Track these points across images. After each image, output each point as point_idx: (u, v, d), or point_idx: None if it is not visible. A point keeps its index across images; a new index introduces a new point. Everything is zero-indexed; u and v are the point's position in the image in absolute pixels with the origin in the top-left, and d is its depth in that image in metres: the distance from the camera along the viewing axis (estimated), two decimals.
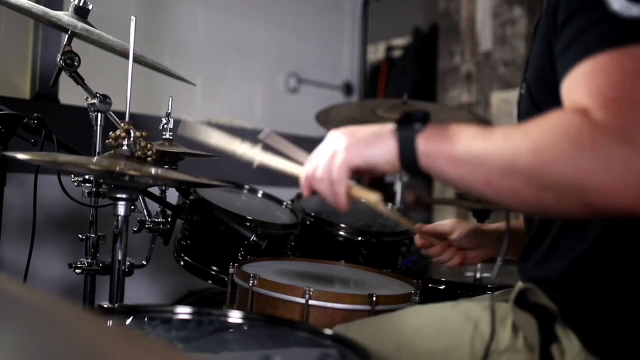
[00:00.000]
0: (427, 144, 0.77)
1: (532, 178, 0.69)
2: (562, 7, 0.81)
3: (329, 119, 2.22)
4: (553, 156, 0.68)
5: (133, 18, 1.19)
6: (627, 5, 0.73)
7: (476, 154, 0.73)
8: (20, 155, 1.03)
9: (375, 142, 0.81)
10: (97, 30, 1.51)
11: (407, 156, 0.78)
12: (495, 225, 1.32)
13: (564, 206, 0.70)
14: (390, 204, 2.21)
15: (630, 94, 0.68)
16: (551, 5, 0.84)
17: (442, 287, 1.59)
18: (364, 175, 0.97)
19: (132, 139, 1.13)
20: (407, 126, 0.78)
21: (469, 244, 1.29)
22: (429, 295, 1.53)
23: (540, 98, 0.89)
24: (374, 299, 1.18)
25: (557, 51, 0.81)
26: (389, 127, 0.81)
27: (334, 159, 0.85)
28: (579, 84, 0.73)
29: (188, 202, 1.58)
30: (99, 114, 1.51)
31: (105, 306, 1.09)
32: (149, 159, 1.15)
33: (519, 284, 0.98)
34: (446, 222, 1.33)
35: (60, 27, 1.54)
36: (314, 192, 0.91)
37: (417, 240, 1.32)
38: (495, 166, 0.72)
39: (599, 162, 0.65)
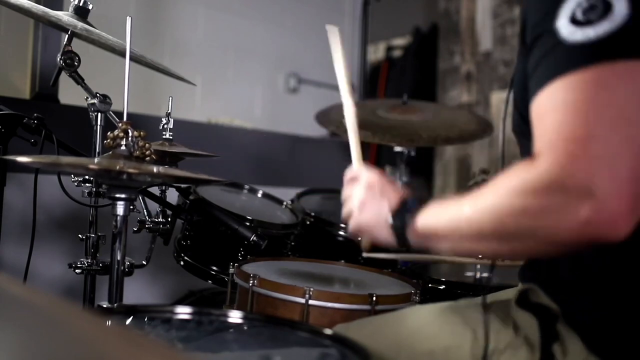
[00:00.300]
0: (416, 231, 0.90)
1: (499, 235, 0.77)
2: (528, 32, 0.82)
3: (329, 119, 2.22)
4: (507, 211, 0.74)
5: (129, 18, 1.19)
6: (572, 30, 0.73)
7: (454, 229, 0.83)
8: (21, 159, 1.03)
9: (376, 228, 0.98)
10: (97, 30, 1.51)
11: (402, 241, 0.94)
12: None
13: (535, 251, 0.79)
14: None
15: (566, 131, 0.70)
16: (521, 26, 0.85)
17: (442, 287, 1.59)
18: None
19: (130, 139, 1.13)
20: (400, 219, 0.93)
21: None
22: (429, 295, 1.53)
23: (526, 114, 0.90)
24: (374, 299, 1.18)
25: (527, 73, 0.82)
26: (388, 217, 0.96)
27: (351, 218, 1.04)
28: (536, 122, 0.76)
29: (188, 202, 1.58)
30: (99, 114, 1.51)
31: (105, 306, 1.09)
32: (148, 158, 1.15)
33: (520, 285, 0.98)
34: None
35: (60, 27, 1.54)
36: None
37: None
38: (470, 234, 0.81)
39: (542, 206, 0.71)
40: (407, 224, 0.92)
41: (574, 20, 0.73)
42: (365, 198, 1.01)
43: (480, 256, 0.93)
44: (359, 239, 1.08)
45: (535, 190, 0.71)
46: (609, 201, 0.67)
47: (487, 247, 0.81)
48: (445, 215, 0.86)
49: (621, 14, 0.71)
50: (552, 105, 0.73)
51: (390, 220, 0.95)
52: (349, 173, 1.11)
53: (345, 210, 1.07)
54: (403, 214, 0.93)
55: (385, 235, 0.96)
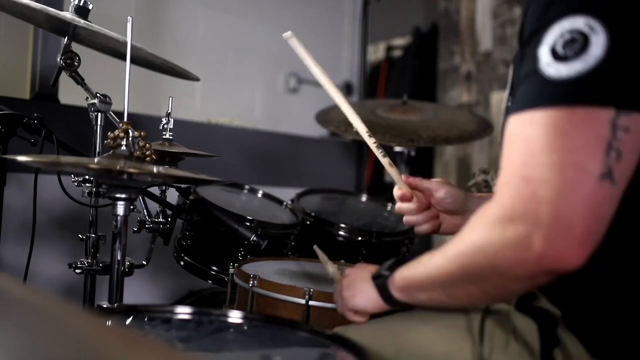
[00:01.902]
0: (397, 285, 0.94)
1: (466, 278, 0.80)
2: (523, 42, 0.81)
3: (329, 119, 2.22)
4: (468, 253, 0.78)
5: (130, 18, 1.19)
6: (549, 62, 0.74)
7: (430, 278, 0.86)
8: (21, 158, 1.03)
9: (361, 292, 1.02)
10: (96, 31, 1.50)
11: (386, 296, 0.97)
12: (485, 194, 1.29)
13: (505, 289, 0.80)
14: (391, 204, 2.21)
15: (520, 171, 0.73)
16: (518, 35, 0.85)
17: None
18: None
19: (130, 139, 1.13)
20: (380, 275, 0.98)
21: (453, 205, 1.21)
22: None
23: None
24: None
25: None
26: (370, 278, 1.01)
27: (343, 307, 1.07)
28: (503, 151, 0.78)
29: (188, 202, 1.58)
30: (99, 114, 1.51)
31: (105, 306, 1.09)
32: (148, 158, 1.15)
33: None
34: (435, 180, 1.25)
35: (61, 29, 1.53)
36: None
37: (397, 190, 1.23)
38: (443, 282, 0.84)
39: (497, 243, 0.74)
40: (387, 277, 0.96)
41: (554, 52, 0.74)
42: (348, 279, 1.06)
43: (457, 307, 0.95)
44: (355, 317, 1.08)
45: (491, 226, 0.75)
46: (556, 240, 0.69)
47: (460, 292, 0.83)
48: (419, 267, 0.89)
49: (595, 55, 0.71)
50: (516, 138, 0.76)
51: (372, 278, 1.00)
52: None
53: (335, 301, 1.09)
54: (381, 271, 0.98)
55: (370, 295, 0.99)
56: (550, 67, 0.73)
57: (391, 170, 1.23)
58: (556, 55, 0.73)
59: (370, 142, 1.22)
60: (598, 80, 0.71)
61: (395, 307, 0.97)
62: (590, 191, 0.69)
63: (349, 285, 1.05)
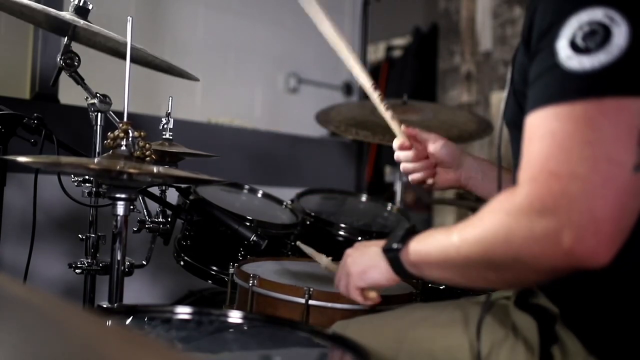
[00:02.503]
0: (410, 259, 0.92)
1: (487, 264, 0.78)
2: (535, 36, 0.81)
3: (329, 119, 2.22)
4: (492, 240, 0.76)
5: (130, 18, 1.19)
6: (570, 55, 0.73)
7: (445, 257, 0.85)
8: (21, 159, 1.03)
9: (372, 267, 1.00)
10: (96, 31, 1.50)
11: (399, 270, 0.95)
12: (481, 158, 1.31)
13: (523, 279, 0.79)
14: (391, 204, 2.21)
15: (549, 166, 0.72)
16: (525, 31, 0.84)
17: (442, 287, 1.59)
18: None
19: (130, 139, 1.13)
20: (392, 248, 0.96)
21: (448, 158, 1.25)
22: (429, 296, 1.53)
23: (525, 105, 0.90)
24: None
25: (529, 79, 0.82)
26: (379, 251, 0.99)
27: (348, 284, 1.05)
28: (524, 145, 0.77)
29: (188, 202, 1.58)
30: (99, 114, 1.51)
31: (105, 306, 1.09)
32: (148, 158, 1.15)
33: None
34: (432, 134, 1.29)
35: (60, 29, 1.53)
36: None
37: (396, 140, 1.27)
38: (460, 263, 0.82)
39: (525, 236, 0.72)
40: (399, 250, 0.94)
41: (573, 45, 0.73)
42: (353, 255, 1.04)
43: (473, 287, 0.96)
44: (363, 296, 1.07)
45: (518, 218, 0.73)
46: (586, 238, 0.69)
47: (477, 276, 0.82)
48: (435, 243, 0.88)
49: (619, 45, 0.70)
50: (540, 133, 0.74)
51: (381, 253, 0.98)
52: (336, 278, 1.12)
53: (339, 286, 1.08)
54: (392, 243, 0.96)
55: (382, 269, 0.98)
56: (571, 60, 0.72)
57: (392, 122, 1.25)
58: (577, 48, 0.72)
59: (375, 95, 1.23)
60: (624, 70, 0.70)
61: (407, 280, 0.96)
62: (624, 184, 0.68)
63: (355, 262, 1.03)
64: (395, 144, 1.27)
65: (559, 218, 0.69)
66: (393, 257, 0.95)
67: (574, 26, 0.73)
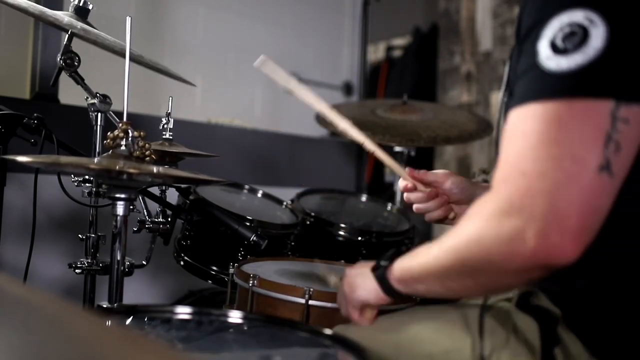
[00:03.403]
0: (395, 275, 0.94)
1: (462, 271, 0.80)
2: (521, 40, 0.81)
3: (329, 119, 2.22)
4: (465, 244, 0.78)
5: (129, 18, 1.19)
6: (549, 55, 0.73)
7: (426, 270, 0.86)
8: (21, 158, 1.03)
9: (362, 287, 1.01)
10: (95, 31, 1.50)
11: (387, 288, 0.96)
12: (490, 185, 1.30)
13: (501, 282, 0.79)
14: (391, 204, 2.22)
15: (519, 165, 0.72)
16: (515, 33, 0.85)
17: None
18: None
19: (130, 139, 1.13)
20: (379, 267, 0.99)
21: (459, 195, 1.23)
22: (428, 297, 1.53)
23: None
24: None
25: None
26: (369, 271, 1.01)
27: (346, 305, 1.06)
28: (503, 145, 0.78)
29: (188, 202, 1.58)
30: (99, 114, 1.51)
31: (105, 306, 1.09)
32: (147, 158, 1.15)
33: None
34: (439, 171, 1.26)
35: (60, 27, 1.54)
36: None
37: (402, 183, 1.26)
38: (438, 274, 0.84)
39: (493, 236, 0.73)
40: (386, 268, 0.96)
41: (553, 46, 0.73)
42: (349, 278, 1.06)
43: (452, 298, 0.96)
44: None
45: (487, 218, 0.74)
46: (550, 234, 0.69)
47: (456, 285, 0.83)
48: (417, 258, 0.89)
49: (595, 47, 0.70)
50: (516, 133, 0.75)
51: (370, 272, 1.00)
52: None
53: (340, 305, 1.09)
54: (380, 262, 0.99)
55: (371, 288, 0.99)
56: (550, 60, 0.73)
57: (395, 166, 1.25)
58: (556, 49, 0.73)
59: (371, 145, 1.22)
60: (598, 71, 0.71)
61: (396, 298, 0.97)
62: (587, 183, 0.69)
63: (349, 282, 1.05)
64: (401, 184, 1.27)
65: (523, 216, 0.70)
66: (380, 275, 0.97)
67: (555, 27, 0.74)
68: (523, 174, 0.72)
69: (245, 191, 1.97)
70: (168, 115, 1.53)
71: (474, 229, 0.77)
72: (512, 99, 0.79)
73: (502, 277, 0.77)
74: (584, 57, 0.71)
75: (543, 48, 0.74)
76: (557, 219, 0.69)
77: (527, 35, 0.78)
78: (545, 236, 0.69)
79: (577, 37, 0.72)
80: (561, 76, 0.72)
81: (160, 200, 1.55)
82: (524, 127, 0.74)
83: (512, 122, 0.77)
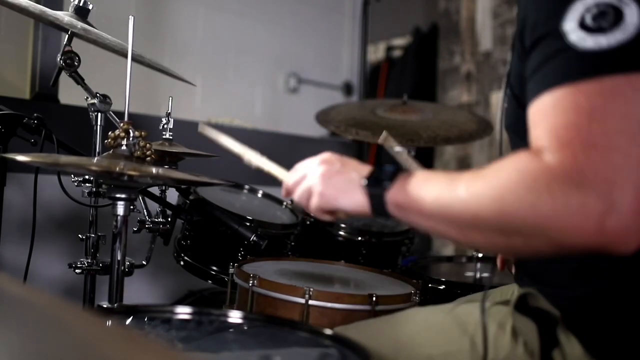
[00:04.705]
0: (396, 198, 0.83)
1: (498, 226, 0.73)
2: (528, 32, 0.80)
3: (329, 119, 2.22)
4: (513, 204, 0.70)
5: (131, 18, 1.19)
6: (582, 36, 0.72)
7: (442, 207, 0.77)
8: (21, 158, 1.03)
9: (346, 196, 0.89)
10: (96, 30, 1.50)
11: (379, 210, 0.85)
12: None
13: (533, 248, 0.73)
14: None
15: (584, 135, 0.68)
16: (519, 26, 0.84)
17: (442, 287, 1.59)
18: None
19: (131, 139, 1.13)
20: (377, 184, 0.85)
21: None
22: (429, 295, 1.53)
23: (523, 111, 0.89)
24: (374, 299, 1.18)
25: (526, 74, 0.81)
26: (362, 177, 0.87)
27: (309, 199, 0.95)
28: (539, 121, 0.74)
29: (188, 202, 1.58)
30: (99, 114, 1.51)
31: (105, 306, 1.09)
32: (148, 158, 1.15)
33: (519, 289, 0.97)
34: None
35: (60, 27, 1.54)
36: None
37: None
38: (462, 219, 0.75)
39: (557, 207, 0.67)
40: (386, 188, 0.84)
41: (584, 26, 0.72)
42: (326, 170, 0.92)
43: (465, 245, 0.84)
44: (326, 217, 0.96)
45: (550, 185, 0.68)
46: (627, 215, 0.65)
47: (478, 236, 0.76)
48: (434, 191, 0.79)
49: (633, 23, 0.70)
50: (562, 107, 0.71)
51: (364, 182, 0.87)
52: (288, 179, 1.03)
53: (297, 194, 0.97)
54: (381, 177, 0.86)
55: (358, 201, 0.87)
56: (586, 40, 0.72)
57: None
58: (588, 29, 0.72)
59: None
60: None
61: (379, 217, 0.87)
62: None
63: (328, 181, 0.91)
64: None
65: (601, 192, 0.65)
66: (376, 194, 0.85)
67: (579, 10, 0.73)
68: (594, 146, 0.67)
69: (245, 191, 1.97)
70: (168, 115, 1.53)
71: (526, 188, 0.69)
72: (533, 90, 0.76)
73: (543, 247, 0.71)
74: (624, 33, 0.70)
75: (572, 31, 0.73)
76: (633, 199, 0.65)
77: (541, 26, 0.77)
78: (620, 218, 0.65)
79: (610, 16, 0.71)
80: (605, 53, 0.71)
81: (160, 200, 1.55)
82: (577, 103, 0.70)
83: (549, 102, 0.73)
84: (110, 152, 1.15)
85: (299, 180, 0.98)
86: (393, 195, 0.83)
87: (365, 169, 0.89)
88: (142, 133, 1.15)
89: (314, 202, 0.93)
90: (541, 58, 0.77)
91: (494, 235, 0.74)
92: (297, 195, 0.98)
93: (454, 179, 0.77)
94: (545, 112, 0.73)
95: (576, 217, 0.66)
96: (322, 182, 0.92)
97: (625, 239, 0.66)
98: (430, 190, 0.79)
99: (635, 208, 0.65)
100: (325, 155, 0.95)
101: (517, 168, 0.72)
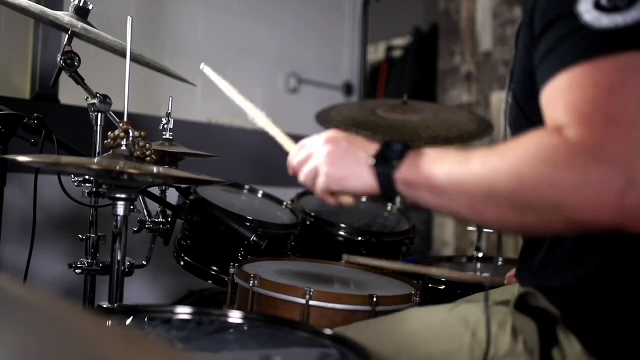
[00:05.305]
0: (405, 175, 0.80)
1: (513, 201, 0.70)
2: (538, 17, 0.80)
3: (329, 119, 2.22)
4: (530, 178, 0.68)
5: (129, 18, 1.19)
6: (597, 16, 0.72)
7: (455, 182, 0.75)
8: (21, 158, 1.03)
9: (354, 175, 0.87)
10: (96, 30, 1.50)
11: (387, 188, 0.82)
12: None
13: (547, 225, 0.71)
14: (391, 204, 2.21)
15: (604, 109, 0.67)
16: (528, 15, 0.83)
17: (442, 287, 1.59)
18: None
19: (130, 139, 1.13)
20: (386, 162, 0.82)
21: None
22: (429, 295, 1.53)
23: (527, 107, 0.89)
24: (375, 299, 1.18)
25: (536, 61, 0.80)
26: (369, 155, 0.85)
27: (315, 178, 0.92)
28: (555, 99, 0.73)
29: (188, 202, 1.58)
30: (99, 114, 1.51)
31: (105, 306, 1.09)
32: (148, 158, 1.15)
33: (519, 288, 0.97)
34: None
35: (60, 27, 1.54)
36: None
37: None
38: (476, 193, 0.73)
39: (576, 181, 0.66)
40: (394, 167, 0.81)
41: (598, 6, 0.72)
42: (333, 150, 0.89)
43: (476, 222, 0.80)
44: (331, 198, 0.93)
45: (569, 160, 0.66)
46: None
47: (490, 212, 0.73)
48: (446, 166, 0.77)
49: None
50: (580, 84, 0.70)
51: (372, 161, 0.84)
52: (293, 156, 1.00)
53: (304, 173, 0.94)
54: (389, 155, 0.82)
55: (366, 181, 0.85)
56: (601, 20, 0.71)
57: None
58: (603, 9, 0.72)
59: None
60: None
61: (388, 196, 0.86)
62: None
63: (334, 161, 0.89)
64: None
65: (621, 167, 0.64)
66: (385, 173, 0.82)
67: None
68: (615, 121, 0.66)
69: (245, 191, 1.97)
70: (168, 115, 1.53)
71: (545, 161, 0.68)
72: (547, 71, 0.75)
73: (557, 223, 0.69)
74: (639, 11, 0.70)
75: (586, 11, 0.73)
76: None
77: (552, 10, 0.77)
78: (638, 191, 0.63)
79: None
80: (622, 31, 0.70)
81: (160, 200, 1.55)
82: (595, 79, 0.69)
83: (565, 80, 0.72)
84: (110, 152, 1.15)
85: (304, 159, 0.95)
86: (403, 172, 0.80)
87: (373, 147, 0.86)
88: (142, 133, 1.15)
89: (320, 183, 0.90)
90: (554, 40, 0.76)
91: (508, 210, 0.71)
92: (302, 175, 0.95)
93: (467, 155, 0.75)
94: (562, 90, 0.72)
95: (595, 193, 0.65)
96: (329, 162, 0.89)
97: None
98: (442, 166, 0.77)
99: None
100: (332, 133, 0.92)
101: (535, 143, 0.70)
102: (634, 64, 0.69)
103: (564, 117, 0.70)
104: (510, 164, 0.70)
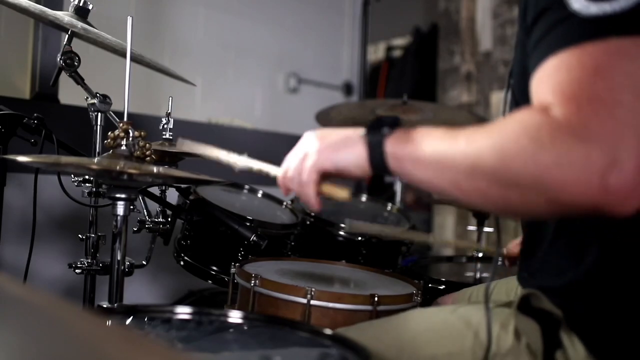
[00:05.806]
0: (394, 147, 0.81)
1: (496, 177, 0.71)
2: (530, 10, 0.81)
3: (329, 119, 2.22)
4: (514, 154, 0.69)
5: (129, 18, 1.19)
6: (586, 4, 0.73)
7: (441, 156, 0.76)
8: (21, 158, 1.03)
9: (345, 147, 0.87)
10: (96, 30, 1.50)
11: (376, 159, 0.82)
12: None
13: (529, 204, 0.71)
14: (391, 204, 2.21)
15: (589, 90, 0.68)
16: (522, 8, 0.84)
17: (442, 287, 1.59)
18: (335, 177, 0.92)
19: (130, 139, 1.13)
20: (376, 131, 0.83)
21: None
22: (429, 295, 1.53)
23: (525, 104, 0.89)
24: (376, 299, 1.18)
25: (528, 51, 0.81)
26: (359, 132, 0.86)
27: (304, 161, 0.91)
28: (543, 81, 0.74)
29: (188, 202, 1.58)
30: (99, 114, 1.51)
31: (105, 306, 1.09)
32: (148, 158, 1.15)
33: (522, 290, 0.97)
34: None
35: (60, 27, 1.54)
36: (290, 190, 1.00)
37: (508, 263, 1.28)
38: (460, 167, 0.74)
39: (559, 159, 0.66)
40: (385, 135, 0.81)
41: None
42: (323, 134, 0.90)
43: (459, 199, 0.78)
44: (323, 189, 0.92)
45: (553, 137, 0.67)
46: (630, 171, 0.64)
47: (474, 188, 0.73)
48: (433, 142, 0.78)
49: None
50: (566, 66, 0.71)
51: (362, 133, 0.84)
52: (281, 168, 1.00)
53: (292, 162, 0.94)
54: (380, 125, 0.83)
55: (357, 154, 0.85)
56: (589, 8, 0.72)
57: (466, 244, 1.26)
58: None
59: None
60: None
61: (380, 173, 0.84)
62: None
63: (324, 137, 0.89)
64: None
65: (605, 147, 0.64)
66: (376, 142, 0.82)
67: None
68: (600, 100, 0.66)
69: (245, 191, 1.97)
70: (168, 115, 1.53)
71: (529, 138, 0.68)
72: (536, 58, 0.76)
73: (539, 202, 0.69)
74: (627, 1, 0.71)
75: (575, 0, 0.73)
76: (637, 155, 0.64)
77: (542, 0, 0.78)
78: (622, 174, 0.64)
79: None
80: (610, 17, 0.71)
81: (160, 200, 1.55)
82: (581, 62, 0.70)
83: (553, 63, 0.73)
84: (110, 152, 1.15)
85: (291, 155, 0.96)
86: (391, 145, 0.81)
87: (362, 131, 0.86)
88: (142, 133, 1.15)
89: (309, 162, 0.89)
90: (544, 28, 0.77)
91: (491, 186, 0.72)
92: (291, 163, 0.95)
93: (455, 132, 0.76)
94: (550, 72, 0.73)
95: (577, 170, 0.65)
96: (320, 138, 0.89)
97: (625, 197, 0.65)
98: (429, 141, 0.78)
99: (636, 166, 0.64)
100: (318, 131, 0.93)
101: (521, 120, 0.71)
102: (621, 49, 0.70)
103: (550, 97, 0.71)
104: (494, 141, 0.71)
